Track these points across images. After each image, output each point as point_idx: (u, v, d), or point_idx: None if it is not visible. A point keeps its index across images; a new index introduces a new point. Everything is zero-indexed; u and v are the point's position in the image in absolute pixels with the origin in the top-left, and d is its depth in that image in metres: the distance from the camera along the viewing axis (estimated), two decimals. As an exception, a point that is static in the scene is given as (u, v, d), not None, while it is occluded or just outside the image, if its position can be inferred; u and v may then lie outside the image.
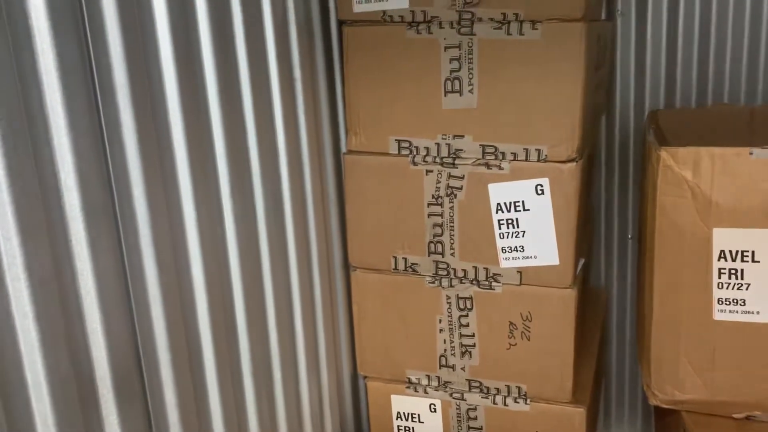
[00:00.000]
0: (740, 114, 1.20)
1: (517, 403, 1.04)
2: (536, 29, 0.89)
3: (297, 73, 0.91)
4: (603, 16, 1.33)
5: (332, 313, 1.05)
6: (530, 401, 1.03)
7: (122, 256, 0.63)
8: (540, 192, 0.94)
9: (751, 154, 0.85)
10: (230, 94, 0.76)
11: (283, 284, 0.89)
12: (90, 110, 0.59)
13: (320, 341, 1.01)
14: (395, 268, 1.04)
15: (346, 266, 1.08)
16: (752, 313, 0.88)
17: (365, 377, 1.12)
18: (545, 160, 0.93)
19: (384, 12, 0.94)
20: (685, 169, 0.88)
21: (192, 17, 0.71)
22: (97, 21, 0.59)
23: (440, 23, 0.93)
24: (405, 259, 1.04)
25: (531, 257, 0.97)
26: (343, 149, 1.06)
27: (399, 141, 0.99)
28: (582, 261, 1.06)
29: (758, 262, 0.86)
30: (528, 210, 0.96)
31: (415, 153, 0.99)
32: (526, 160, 0.94)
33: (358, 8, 0.96)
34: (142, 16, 0.65)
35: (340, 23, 0.98)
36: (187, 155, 0.69)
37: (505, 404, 1.04)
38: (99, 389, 0.61)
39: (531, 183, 0.94)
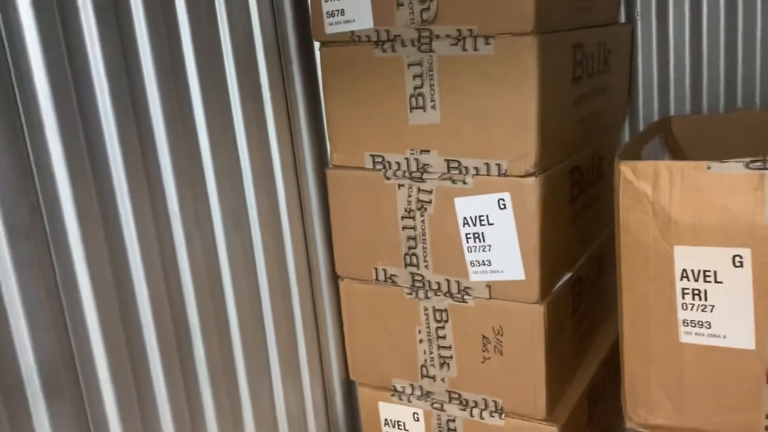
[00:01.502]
0: (759, 120, 1.11)
1: (493, 417, 1.03)
2: (489, 44, 0.89)
3: (266, 94, 0.97)
4: (621, 19, 1.28)
5: (316, 321, 1.10)
6: (505, 416, 1.02)
7: (54, 274, 0.71)
8: (502, 206, 0.94)
9: (709, 168, 0.80)
10: (180, 116, 0.83)
11: (248, 292, 0.95)
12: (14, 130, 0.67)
13: (300, 348, 1.06)
14: (377, 279, 1.08)
15: (335, 276, 1.13)
16: (718, 336, 0.83)
17: (357, 383, 1.16)
18: (505, 175, 0.93)
19: (352, 32, 0.98)
20: (645, 184, 0.84)
21: (132, 48, 0.78)
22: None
23: (402, 41, 0.95)
24: (384, 270, 1.07)
25: (498, 271, 0.97)
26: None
27: (373, 156, 1.02)
28: (567, 275, 1.04)
29: (721, 282, 0.81)
30: (492, 224, 0.95)
31: (387, 168, 1.02)
32: (488, 174, 0.94)
33: (330, 29, 1.00)
34: (70, 38, 0.72)
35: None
36: (127, 181, 0.77)
37: (481, 417, 1.04)
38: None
39: (493, 197, 0.94)
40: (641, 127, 1.32)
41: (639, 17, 1.27)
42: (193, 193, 0.85)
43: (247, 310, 0.94)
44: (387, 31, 0.95)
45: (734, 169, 0.78)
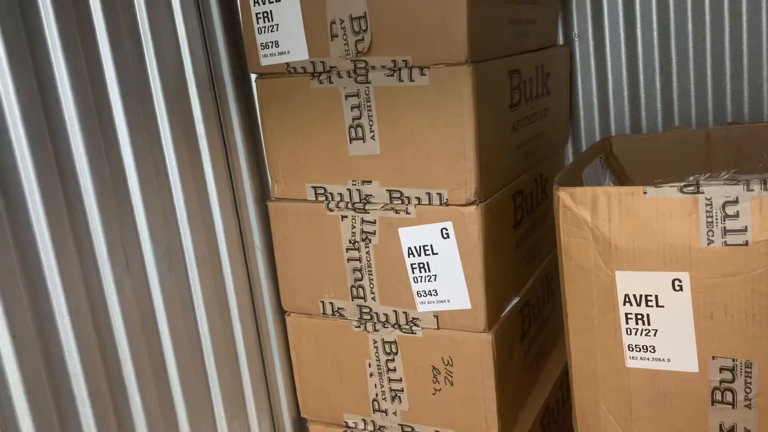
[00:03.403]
0: (696, 138, 1.13)
1: (446, 449, 1.01)
2: (424, 75, 0.88)
3: (201, 129, 0.94)
4: (559, 41, 1.30)
5: (262, 359, 1.07)
6: (459, 448, 1.01)
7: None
8: (446, 236, 0.93)
9: (645, 193, 0.80)
10: (106, 158, 0.80)
11: (187, 334, 0.91)
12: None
13: (246, 387, 1.03)
14: (324, 312, 1.05)
15: (281, 310, 1.10)
16: (663, 360, 0.83)
17: (308, 420, 1.13)
18: (447, 204, 0.92)
19: (288, 64, 0.96)
20: (584, 210, 0.84)
21: (52, 91, 0.75)
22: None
23: (339, 72, 0.93)
24: (331, 303, 1.04)
25: (444, 301, 0.96)
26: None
27: (315, 188, 1.00)
28: (515, 300, 1.03)
29: (662, 306, 0.81)
30: (437, 254, 0.94)
31: (330, 199, 1.00)
32: (430, 204, 0.93)
33: (265, 61, 0.98)
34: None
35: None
36: (49, 227, 0.73)
37: (435, 450, 1.02)
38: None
39: (436, 227, 0.93)
40: (584, 146, 1.33)
41: (576, 39, 1.29)
42: (122, 236, 0.81)
43: (187, 353, 0.91)
44: (323, 62, 0.94)
45: (669, 193, 0.79)
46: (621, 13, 1.25)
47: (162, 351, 0.87)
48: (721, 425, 0.82)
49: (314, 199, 1.01)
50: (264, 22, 0.95)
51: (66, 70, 0.76)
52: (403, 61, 0.89)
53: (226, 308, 1.00)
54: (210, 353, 0.95)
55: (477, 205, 0.90)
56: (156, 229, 0.85)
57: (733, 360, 0.80)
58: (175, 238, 0.89)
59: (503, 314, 0.99)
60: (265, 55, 0.98)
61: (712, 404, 0.82)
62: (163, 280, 0.86)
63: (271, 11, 0.94)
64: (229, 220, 0.99)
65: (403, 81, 0.90)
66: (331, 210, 1.00)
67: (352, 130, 0.95)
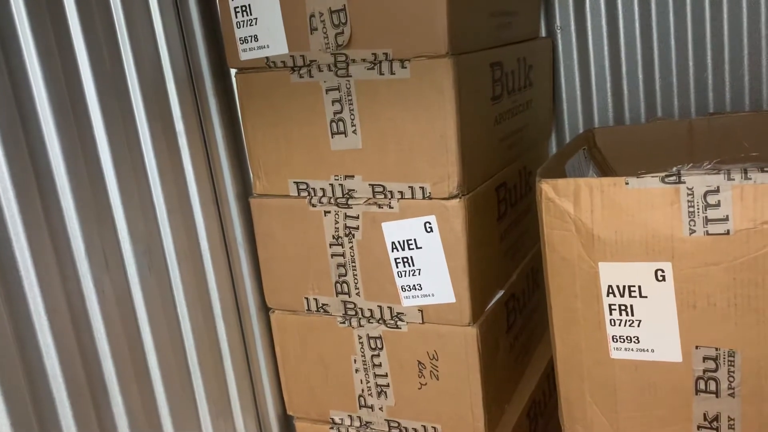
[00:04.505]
0: (678, 129, 1.13)
1: (433, 444, 1.01)
2: (405, 67, 0.87)
3: (180, 126, 0.93)
4: (542, 33, 1.30)
5: (247, 357, 1.06)
6: (445, 442, 1.00)
7: None
8: (429, 230, 0.92)
9: (627, 183, 0.80)
10: (83, 156, 0.78)
11: (169, 333, 0.90)
12: None
13: (231, 386, 1.02)
14: (308, 309, 1.04)
15: (265, 307, 1.09)
16: (647, 351, 0.83)
17: (294, 417, 1.12)
18: (430, 198, 0.91)
19: (267, 58, 0.95)
20: (567, 202, 0.84)
21: (26, 90, 0.73)
22: None
23: (319, 66, 0.92)
24: (316, 299, 1.03)
25: (429, 295, 0.95)
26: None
27: (297, 183, 0.99)
28: (500, 293, 1.03)
29: (646, 297, 0.81)
30: (421, 248, 0.94)
31: (312, 194, 0.99)
32: (413, 197, 0.92)
33: (244, 56, 0.97)
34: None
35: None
36: (24, 226, 0.72)
37: (422, 445, 1.02)
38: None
39: (420, 221, 0.92)
40: (568, 138, 1.33)
41: (559, 31, 1.29)
42: (100, 234, 0.80)
43: (169, 352, 0.90)
44: (302, 56, 0.93)
45: (651, 184, 0.79)
46: (603, 5, 1.24)
47: (143, 350, 0.86)
48: (705, 414, 0.83)
49: (297, 194, 1.00)
50: (242, 16, 0.94)
51: (40, 69, 0.74)
52: (383, 54, 0.88)
53: (209, 306, 0.98)
54: (193, 352, 0.94)
55: (460, 198, 0.90)
56: (135, 227, 0.84)
57: (717, 349, 0.80)
58: (155, 235, 0.88)
59: (488, 307, 0.99)
60: (245, 50, 0.96)
61: (696, 394, 0.82)
62: (144, 278, 0.85)
63: (249, 5, 0.93)
64: (211, 216, 0.98)
65: (383, 74, 0.89)
66: (313, 205, 0.99)
67: (334, 124, 0.94)
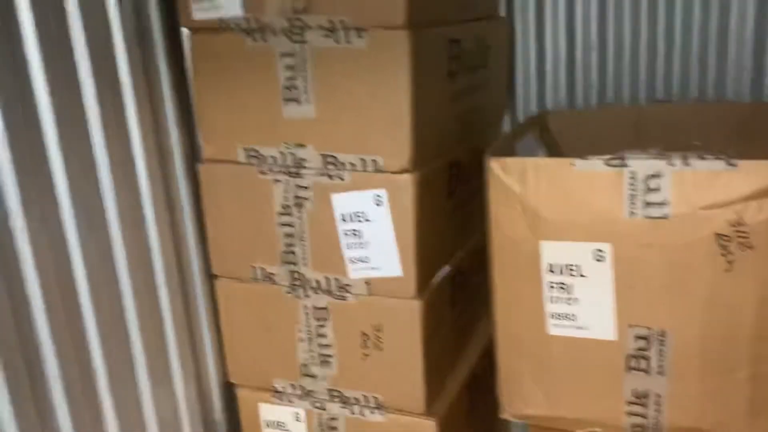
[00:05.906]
0: (628, 114, 1.16)
1: (373, 413, 1.02)
2: (362, 37, 0.86)
3: (127, 85, 0.90)
4: (503, 12, 1.30)
5: (189, 323, 1.05)
6: (386, 412, 1.02)
7: None
8: (379, 203, 0.92)
9: (572, 165, 0.81)
10: (22, 110, 0.75)
11: (108, 296, 0.88)
12: None
13: (171, 352, 1.01)
14: (255, 278, 1.03)
15: (210, 274, 1.07)
16: (583, 328, 0.86)
17: (236, 385, 1.12)
18: (381, 171, 0.91)
19: (221, 19, 0.93)
20: (514, 181, 0.85)
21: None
22: None
23: (273, 31, 0.90)
24: (262, 268, 1.03)
25: (376, 268, 0.96)
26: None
27: (247, 150, 0.98)
28: (446, 269, 1.04)
29: (585, 276, 0.84)
30: (369, 221, 0.94)
31: (262, 162, 0.97)
32: (365, 170, 0.92)
33: (197, 15, 0.94)
34: None
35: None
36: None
37: (362, 414, 1.03)
38: None
39: (370, 194, 0.92)
40: (521, 119, 1.35)
41: (518, 11, 1.29)
42: (38, 191, 0.77)
43: (107, 316, 0.88)
44: (257, 19, 0.91)
45: (596, 166, 0.81)
46: (562, -13, 1.26)
47: (80, 313, 0.84)
48: (634, 390, 0.86)
49: (246, 161, 0.98)
50: (196, -27, 0.91)
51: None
52: (340, 21, 0.87)
53: (150, 270, 0.96)
54: (133, 316, 0.92)
55: (411, 173, 0.90)
56: (75, 185, 0.81)
57: (649, 329, 0.83)
58: (95, 195, 0.85)
59: (434, 282, 1.00)
60: (198, 9, 0.93)
61: (628, 371, 0.85)
62: (83, 238, 0.83)
63: (204, -38, 0.90)
64: (156, 180, 0.95)
65: (339, 43, 0.88)
66: (263, 173, 0.98)
67: (287, 91, 0.92)
